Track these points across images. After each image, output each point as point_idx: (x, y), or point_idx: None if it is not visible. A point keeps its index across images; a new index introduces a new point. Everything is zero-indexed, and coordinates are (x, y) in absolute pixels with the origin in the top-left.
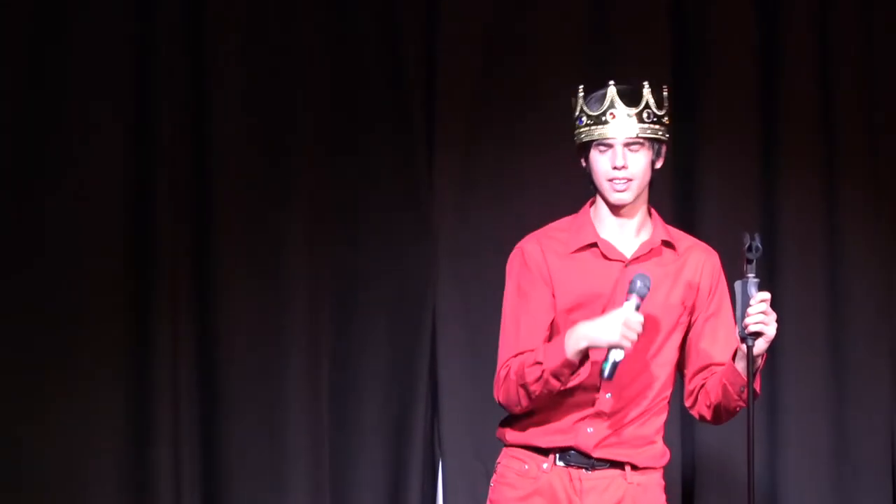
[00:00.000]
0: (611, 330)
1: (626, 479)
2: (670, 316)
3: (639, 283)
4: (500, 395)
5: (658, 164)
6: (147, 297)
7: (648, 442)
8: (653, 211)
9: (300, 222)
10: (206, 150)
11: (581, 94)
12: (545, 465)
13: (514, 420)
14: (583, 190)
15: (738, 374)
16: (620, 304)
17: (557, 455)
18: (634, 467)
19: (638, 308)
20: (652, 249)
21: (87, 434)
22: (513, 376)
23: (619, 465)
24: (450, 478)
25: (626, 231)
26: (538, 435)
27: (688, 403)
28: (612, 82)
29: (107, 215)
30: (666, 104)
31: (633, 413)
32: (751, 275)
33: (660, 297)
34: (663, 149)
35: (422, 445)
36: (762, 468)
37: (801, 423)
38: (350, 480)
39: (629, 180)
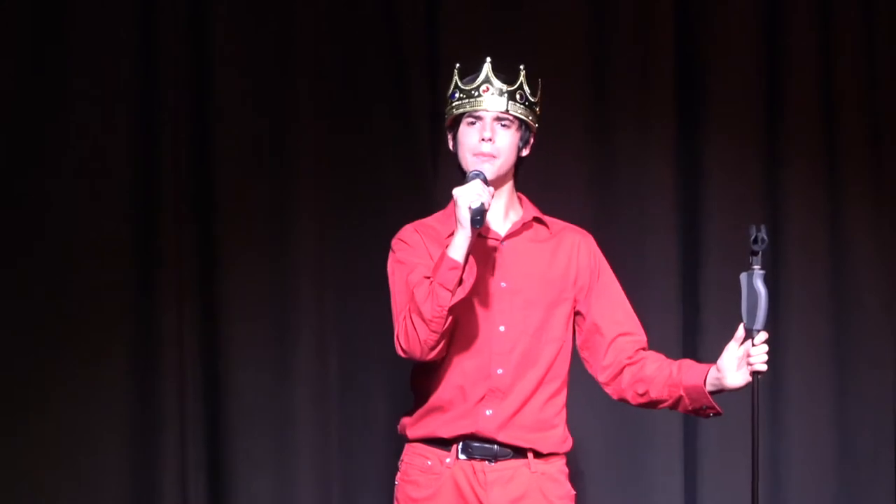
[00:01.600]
0: (461, 195)
1: (530, 468)
2: (551, 290)
3: (476, 171)
4: (400, 341)
5: (525, 153)
6: (151, 290)
7: (550, 426)
8: (522, 196)
9: (304, 212)
10: (208, 140)
11: (457, 72)
12: (448, 460)
13: (416, 414)
14: (578, 180)
15: (706, 397)
16: (495, 280)
17: (460, 447)
18: (538, 454)
19: (482, 181)
20: (524, 224)
21: (91, 425)
22: (408, 314)
23: (522, 453)
24: None
25: (495, 214)
26: (439, 426)
27: (603, 380)
28: (488, 58)
29: (110, 204)
30: (539, 95)
31: (528, 391)
32: (756, 267)
33: (538, 272)
34: (531, 138)
35: None
36: (764, 461)
37: (803, 416)
38: (356, 473)
39: (493, 157)
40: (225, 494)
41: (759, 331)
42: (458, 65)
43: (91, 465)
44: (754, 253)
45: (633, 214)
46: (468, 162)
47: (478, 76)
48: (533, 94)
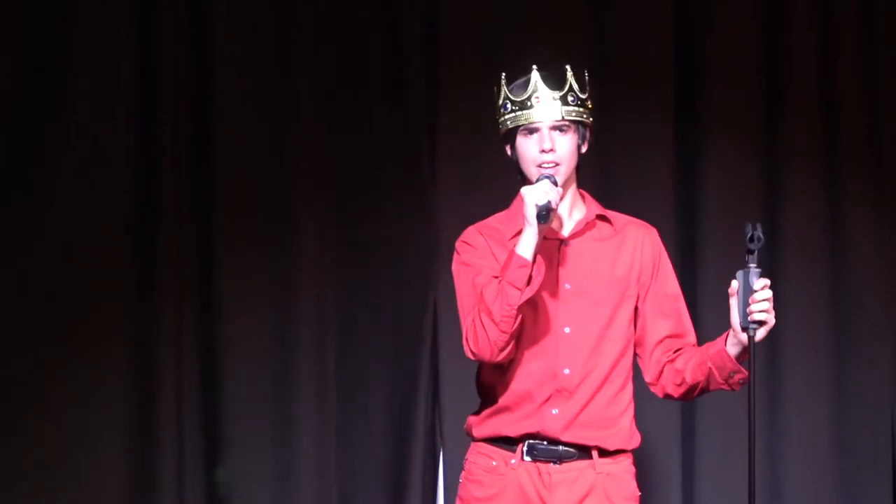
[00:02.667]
0: (528, 196)
1: (594, 469)
2: (615, 289)
3: (541, 176)
4: (468, 343)
5: (584, 149)
6: (151, 290)
7: (615, 422)
8: (584, 193)
9: (304, 211)
10: (208, 140)
11: (504, 81)
12: (513, 461)
13: (482, 414)
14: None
15: (729, 360)
16: (560, 282)
17: (525, 449)
18: (603, 452)
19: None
20: (587, 223)
21: (91, 425)
22: (477, 316)
23: (586, 452)
24: (451, 465)
25: (558, 213)
26: (505, 425)
27: (648, 379)
28: (535, 66)
29: (110, 204)
30: (588, 88)
31: (594, 389)
32: (752, 265)
33: (603, 271)
34: (588, 133)
35: (423, 433)
36: (763, 460)
37: (802, 416)
38: (352, 468)
39: (557, 164)
40: (224, 490)
41: (755, 328)
42: (503, 73)
43: (91, 465)
44: (750, 251)
45: (632, 213)
46: (532, 173)
47: (527, 85)
48: (583, 91)
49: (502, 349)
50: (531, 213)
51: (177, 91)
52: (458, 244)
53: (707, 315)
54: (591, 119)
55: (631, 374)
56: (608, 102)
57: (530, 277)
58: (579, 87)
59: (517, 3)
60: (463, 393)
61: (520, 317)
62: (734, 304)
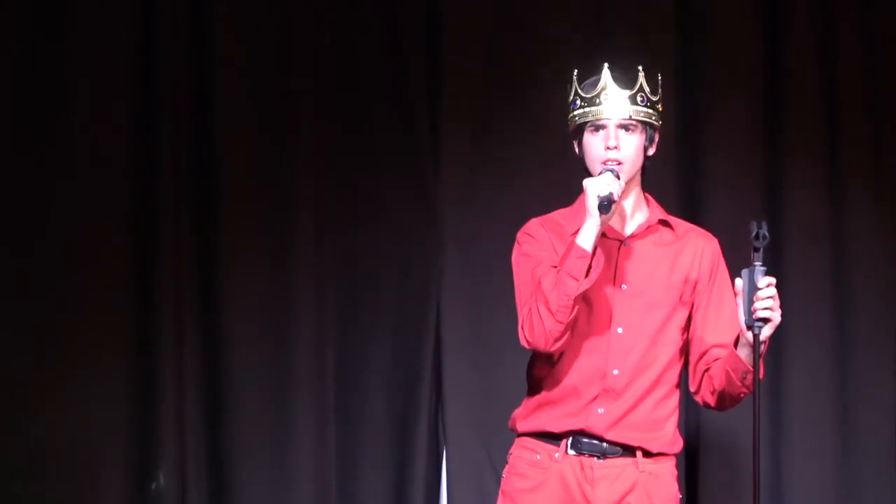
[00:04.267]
0: (591, 185)
1: (637, 467)
2: (672, 294)
3: (605, 170)
4: (524, 333)
5: (651, 151)
6: (151, 290)
7: (661, 427)
8: (649, 196)
9: (304, 211)
10: (208, 140)
11: (576, 78)
12: (557, 455)
13: (528, 408)
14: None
15: (740, 361)
16: (617, 282)
17: (569, 443)
18: (647, 454)
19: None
20: (649, 227)
21: (91, 422)
22: (533, 305)
23: (630, 451)
24: (453, 467)
25: (621, 215)
26: (550, 420)
27: (692, 389)
28: (606, 64)
29: (110, 204)
30: (660, 91)
31: (642, 391)
32: (757, 263)
33: (661, 275)
34: (656, 136)
35: (426, 434)
36: (766, 458)
37: (806, 414)
38: (354, 468)
39: (621, 163)
40: (224, 492)
41: (760, 326)
42: (575, 70)
43: (91, 465)
44: (756, 249)
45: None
46: (596, 170)
47: (597, 83)
48: (654, 93)
49: (557, 339)
50: (593, 204)
51: (177, 91)
52: (519, 235)
53: None
54: (660, 122)
55: (679, 380)
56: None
57: (589, 268)
58: (650, 88)
59: (517, 2)
60: (465, 393)
61: (576, 308)
62: (739, 302)
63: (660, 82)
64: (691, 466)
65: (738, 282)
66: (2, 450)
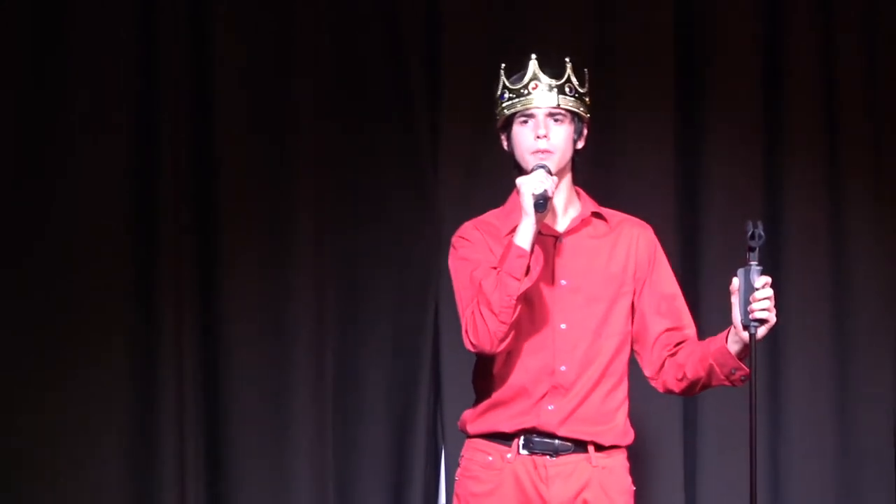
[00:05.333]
0: (524, 183)
1: (590, 462)
2: (611, 285)
3: (535, 165)
4: (468, 337)
5: (580, 145)
6: (151, 290)
7: (611, 418)
8: (580, 190)
9: (304, 211)
10: (208, 140)
11: (503, 72)
12: (509, 455)
13: (478, 410)
14: (578, 175)
15: (731, 357)
16: (556, 278)
17: (521, 442)
18: (599, 447)
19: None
20: (583, 220)
21: (91, 424)
22: (476, 308)
23: (582, 446)
24: (452, 467)
25: (554, 210)
26: (501, 421)
27: (649, 374)
28: (534, 55)
29: (110, 204)
30: (587, 85)
31: (590, 385)
32: (753, 262)
33: (598, 268)
34: (585, 129)
35: (425, 434)
36: (764, 457)
37: (804, 413)
38: (353, 466)
39: (551, 152)
40: (224, 490)
41: (756, 326)
42: (503, 65)
43: (91, 464)
44: (751, 249)
45: (633, 212)
46: (527, 161)
47: (525, 74)
48: (581, 85)
49: (502, 339)
50: (528, 203)
51: (177, 91)
52: (454, 239)
53: (709, 312)
54: (588, 115)
55: (627, 370)
56: (609, 101)
57: (528, 267)
58: (578, 80)
59: (517, 4)
60: (464, 392)
61: (518, 307)
62: (735, 301)
63: (586, 76)
64: (690, 466)
65: (735, 281)
66: (1, 450)
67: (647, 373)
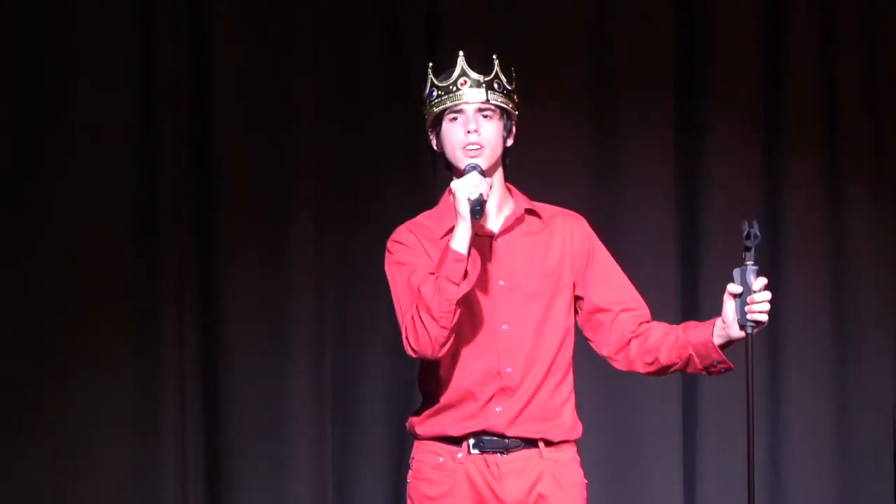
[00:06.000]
0: (459, 188)
1: (542, 456)
2: (549, 281)
3: (468, 166)
4: (409, 341)
5: (510, 142)
6: (151, 290)
7: (559, 414)
8: (511, 187)
9: (304, 211)
10: (208, 140)
11: (431, 70)
12: (460, 455)
13: (425, 413)
14: (578, 174)
15: (715, 351)
16: (493, 279)
17: (471, 442)
18: (548, 443)
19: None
20: (517, 219)
21: (90, 422)
22: (415, 313)
23: (532, 443)
24: None
25: (488, 210)
26: (448, 424)
27: (607, 353)
28: (462, 52)
29: (110, 204)
30: (514, 82)
31: (535, 384)
32: (749, 262)
33: (535, 265)
34: (514, 127)
35: None
36: (764, 457)
37: (803, 412)
38: (352, 468)
39: (481, 147)
40: (224, 490)
41: (753, 327)
42: (430, 64)
43: (91, 464)
44: (747, 248)
45: (632, 210)
46: (458, 158)
47: (453, 71)
48: (510, 83)
49: (443, 344)
50: (464, 208)
51: (177, 91)
52: (389, 244)
53: (710, 313)
54: (516, 112)
55: (572, 364)
56: (609, 103)
57: (466, 272)
58: (506, 77)
59: (517, 3)
60: None
61: (458, 311)
62: (729, 299)
63: (513, 74)
64: (690, 466)
65: (731, 286)
66: (2, 449)
67: (603, 352)
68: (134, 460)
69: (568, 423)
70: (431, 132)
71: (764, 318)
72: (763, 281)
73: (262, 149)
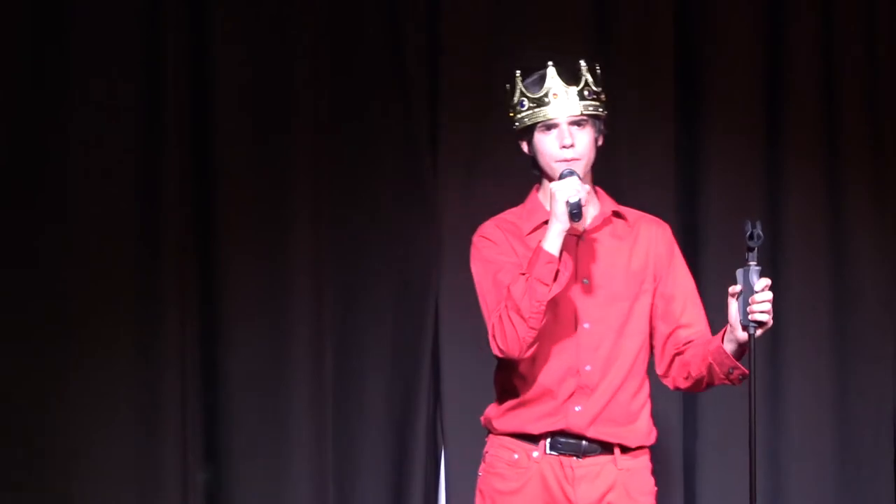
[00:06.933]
0: (558, 189)
1: (616, 464)
2: (633, 283)
3: (566, 171)
4: (496, 342)
5: (600, 142)
6: (152, 290)
7: (637, 418)
8: (599, 189)
9: (303, 209)
10: (208, 136)
11: (519, 78)
12: (535, 454)
13: (501, 408)
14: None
15: (727, 356)
16: (578, 277)
17: (548, 443)
18: (625, 449)
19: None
20: (604, 220)
21: (91, 422)
22: (504, 312)
23: (609, 448)
24: (452, 465)
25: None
26: (527, 422)
27: (660, 371)
28: (550, 63)
29: (110, 204)
30: (602, 82)
31: (615, 385)
32: (752, 262)
33: (620, 266)
34: (603, 126)
35: (424, 432)
36: (764, 457)
37: (804, 413)
38: (353, 467)
39: (577, 159)
40: (224, 489)
41: (755, 327)
42: (517, 71)
43: (91, 463)
44: (750, 249)
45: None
46: (553, 168)
47: (543, 83)
48: (597, 85)
49: (531, 345)
50: (561, 210)
51: (177, 91)
52: (475, 239)
53: (710, 312)
54: (605, 112)
55: (646, 370)
56: (609, 101)
57: (557, 273)
58: (594, 80)
59: (517, 2)
60: (464, 392)
61: (547, 312)
62: (733, 301)
63: (600, 74)
64: (690, 467)
65: (734, 287)
66: (3, 450)
67: (658, 370)
68: (134, 460)
69: (644, 428)
70: (521, 139)
71: (765, 317)
72: (765, 281)
73: (263, 149)
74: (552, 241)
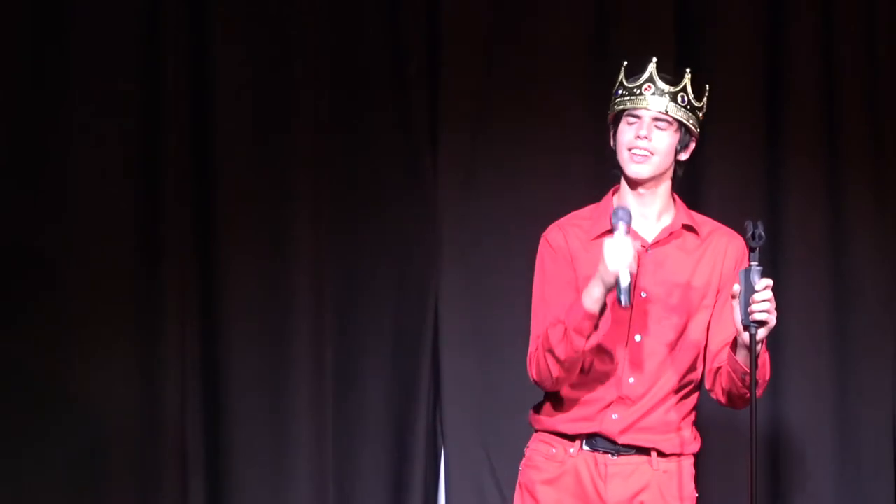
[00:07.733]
0: (610, 260)
1: (651, 465)
2: (692, 298)
3: (620, 213)
4: (532, 370)
5: (683, 156)
6: (152, 290)
7: (675, 428)
8: (676, 198)
9: (303, 209)
10: (208, 136)
11: (624, 70)
12: (572, 450)
13: (544, 407)
14: (579, 173)
15: (738, 363)
16: (636, 289)
17: (584, 440)
18: (661, 454)
19: (627, 233)
20: (672, 233)
21: (91, 422)
22: (541, 350)
23: (644, 451)
24: (452, 466)
25: (647, 216)
26: (565, 422)
27: (707, 386)
28: (654, 58)
29: (110, 203)
30: (705, 100)
31: (658, 398)
32: (754, 263)
33: (681, 281)
34: (691, 142)
35: (424, 433)
36: (764, 457)
37: (803, 413)
38: (353, 468)
39: (649, 154)
40: (224, 490)
41: (756, 327)
42: (625, 63)
43: (91, 463)
44: (752, 249)
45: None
46: (622, 158)
47: (642, 75)
48: (697, 99)
49: (565, 383)
50: (609, 277)
51: (178, 92)
52: (541, 239)
53: None
54: (697, 129)
55: (698, 383)
56: (608, 101)
57: (596, 326)
58: (695, 93)
59: (517, 2)
60: (464, 392)
61: (587, 357)
62: (736, 304)
63: (706, 93)
64: None
65: (736, 286)
66: (3, 450)
67: (706, 385)
68: (134, 460)
69: (684, 437)
70: (610, 128)
71: (765, 317)
72: (767, 282)
73: (262, 149)
74: (593, 301)
